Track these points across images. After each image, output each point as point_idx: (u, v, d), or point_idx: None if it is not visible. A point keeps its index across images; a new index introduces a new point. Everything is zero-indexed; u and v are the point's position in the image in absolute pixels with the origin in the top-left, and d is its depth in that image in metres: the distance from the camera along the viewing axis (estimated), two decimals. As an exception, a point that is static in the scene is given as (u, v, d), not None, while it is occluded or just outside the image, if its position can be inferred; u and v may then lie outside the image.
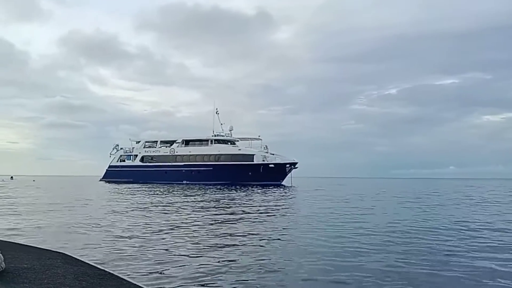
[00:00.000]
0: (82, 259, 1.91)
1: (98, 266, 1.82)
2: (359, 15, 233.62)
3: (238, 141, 54.85)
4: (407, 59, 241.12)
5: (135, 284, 1.48)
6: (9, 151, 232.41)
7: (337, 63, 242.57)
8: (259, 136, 54.09)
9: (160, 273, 4.65)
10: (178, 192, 26.24)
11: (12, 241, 2.35)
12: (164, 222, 9.88)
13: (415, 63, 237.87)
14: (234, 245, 6.81)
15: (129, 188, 33.98)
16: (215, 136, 53.74)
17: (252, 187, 36.94)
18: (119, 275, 1.69)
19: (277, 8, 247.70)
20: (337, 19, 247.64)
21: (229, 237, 7.68)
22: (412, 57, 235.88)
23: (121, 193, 24.69)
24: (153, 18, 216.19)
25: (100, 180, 59.56)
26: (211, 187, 37.44)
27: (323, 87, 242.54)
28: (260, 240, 7.51)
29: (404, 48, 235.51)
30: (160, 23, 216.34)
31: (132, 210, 12.83)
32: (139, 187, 35.21)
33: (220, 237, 7.68)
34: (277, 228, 9.24)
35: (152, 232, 8.17)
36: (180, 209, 13.55)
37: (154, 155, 56.40)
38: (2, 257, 1.53)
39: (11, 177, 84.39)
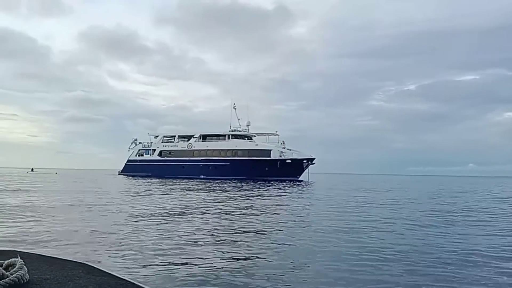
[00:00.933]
0: (104, 269, 2.01)
1: (120, 276, 1.93)
2: (377, 10, 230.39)
3: (255, 136, 54.87)
4: (427, 55, 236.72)
5: None
6: (30, 144, 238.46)
7: (354, 58, 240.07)
8: (276, 131, 54.10)
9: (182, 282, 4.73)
10: (197, 189, 26.42)
11: (36, 252, 2.47)
12: (187, 225, 9.92)
13: (434, 59, 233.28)
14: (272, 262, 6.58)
15: (149, 182, 34.40)
16: (232, 131, 53.85)
17: (275, 183, 36.92)
18: (140, 284, 1.79)
19: (295, 3, 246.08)
20: (355, 14, 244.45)
21: (264, 249, 7.43)
22: (432, 53, 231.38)
23: (142, 190, 25.00)
24: (171, 12, 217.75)
25: (119, 174, 60.48)
26: (229, 182, 37.58)
27: (339, 82, 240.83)
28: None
29: (423, 44, 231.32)
30: (178, 17, 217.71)
31: (155, 215, 12.91)
32: (158, 182, 35.61)
33: (254, 247, 7.60)
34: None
35: (172, 237, 8.20)
36: (202, 212, 13.58)
37: (172, 150, 56.92)
38: (26, 269, 1.57)
39: (32, 169, 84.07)
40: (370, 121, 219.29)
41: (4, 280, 1.45)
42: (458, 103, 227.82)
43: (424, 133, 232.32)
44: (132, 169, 59.15)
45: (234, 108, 55.46)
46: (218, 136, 54.22)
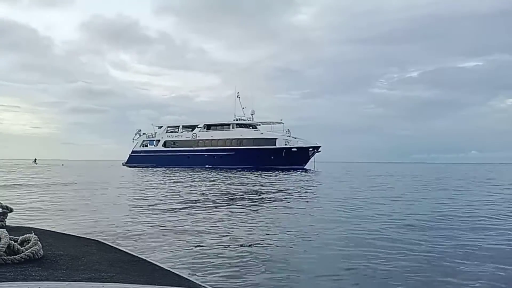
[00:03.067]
0: (116, 246, 2.05)
1: (132, 253, 1.93)
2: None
3: (260, 125, 54.46)
4: (431, 41, 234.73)
5: (168, 270, 1.67)
6: (33, 136, 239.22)
7: (358, 44, 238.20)
8: (281, 120, 53.55)
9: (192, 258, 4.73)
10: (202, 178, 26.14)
11: (49, 229, 2.50)
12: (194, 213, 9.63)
13: (438, 44, 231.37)
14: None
15: (169, 175, 34.21)
16: (237, 120, 53.43)
17: (282, 172, 36.67)
18: (152, 261, 1.77)
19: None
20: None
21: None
22: (436, 38, 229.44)
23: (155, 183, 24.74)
24: (172, 1, 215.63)
25: (124, 165, 60.28)
26: (236, 172, 37.35)
27: (342, 69, 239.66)
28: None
29: (427, 29, 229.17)
30: (179, 6, 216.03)
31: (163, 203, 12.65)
32: (182, 175, 35.39)
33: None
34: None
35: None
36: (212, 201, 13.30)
37: (177, 140, 56.64)
38: (40, 244, 1.58)
39: (34, 160, 77.75)
40: (374, 109, 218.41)
41: (19, 255, 1.47)
42: (461, 90, 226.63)
43: (427, 120, 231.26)
44: (136, 160, 58.90)
45: (238, 97, 55.00)
46: (222, 125, 53.81)
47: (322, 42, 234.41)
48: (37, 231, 1.76)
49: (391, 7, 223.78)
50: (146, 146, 59.55)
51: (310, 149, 48.69)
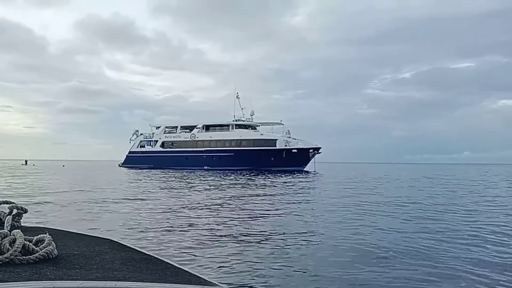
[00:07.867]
0: (128, 245, 2.07)
1: (144, 251, 1.93)
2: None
3: (259, 125, 53.86)
4: (423, 42, 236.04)
5: (179, 268, 1.66)
6: (25, 136, 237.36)
7: (350, 45, 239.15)
8: (281, 120, 52.92)
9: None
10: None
11: (62, 229, 2.42)
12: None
13: (431, 45, 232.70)
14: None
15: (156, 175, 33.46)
16: (236, 121, 52.80)
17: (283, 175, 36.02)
18: (164, 259, 1.75)
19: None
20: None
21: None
22: (429, 39, 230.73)
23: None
24: (169, 0, 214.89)
25: (120, 166, 59.40)
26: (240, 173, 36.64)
27: (336, 70, 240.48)
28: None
29: (420, 29, 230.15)
30: (176, 5, 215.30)
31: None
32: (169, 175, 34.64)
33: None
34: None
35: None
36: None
37: (175, 141, 55.86)
38: (54, 244, 1.63)
39: (25, 161, 69.40)
40: (367, 109, 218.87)
41: (34, 255, 1.54)
42: (454, 90, 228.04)
43: (420, 121, 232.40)
44: (134, 161, 58.08)
45: (237, 97, 54.33)
46: (221, 126, 53.11)
47: (316, 43, 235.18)
48: (51, 231, 1.79)
49: (383, 7, 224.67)
50: (144, 146, 58.71)
51: (311, 150, 48.13)
